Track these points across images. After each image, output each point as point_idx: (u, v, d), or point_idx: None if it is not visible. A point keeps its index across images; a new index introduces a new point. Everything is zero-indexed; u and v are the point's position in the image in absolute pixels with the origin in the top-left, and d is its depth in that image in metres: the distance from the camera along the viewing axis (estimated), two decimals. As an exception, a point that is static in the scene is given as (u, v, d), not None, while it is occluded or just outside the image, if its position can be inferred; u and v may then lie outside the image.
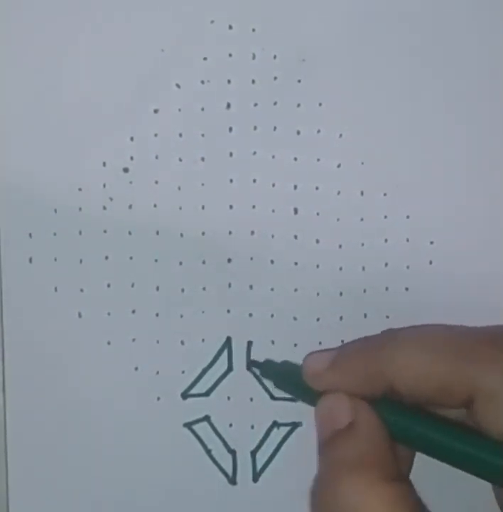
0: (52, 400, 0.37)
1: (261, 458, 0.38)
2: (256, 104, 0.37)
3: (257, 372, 0.37)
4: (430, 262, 0.38)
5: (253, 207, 0.38)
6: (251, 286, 0.38)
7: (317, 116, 0.37)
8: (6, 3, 0.36)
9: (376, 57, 0.37)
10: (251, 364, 0.37)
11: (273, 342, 0.38)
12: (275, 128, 0.37)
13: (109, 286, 0.37)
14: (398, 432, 0.30)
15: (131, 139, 0.37)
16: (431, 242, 0.38)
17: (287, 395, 0.38)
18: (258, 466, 0.38)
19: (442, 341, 0.30)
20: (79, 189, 0.37)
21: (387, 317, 0.38)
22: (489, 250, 0.38)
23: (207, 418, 0.38)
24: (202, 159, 0.37)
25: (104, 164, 0.37)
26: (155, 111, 0.37)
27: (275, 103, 0.37)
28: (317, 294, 0.38)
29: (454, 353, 0.29)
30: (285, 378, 0.35)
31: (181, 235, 0.37)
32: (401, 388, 0.29)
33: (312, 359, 0.32)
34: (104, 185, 0.37)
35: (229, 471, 0.38)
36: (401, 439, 0.30)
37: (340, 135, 0.38)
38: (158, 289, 0.38)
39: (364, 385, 0.30)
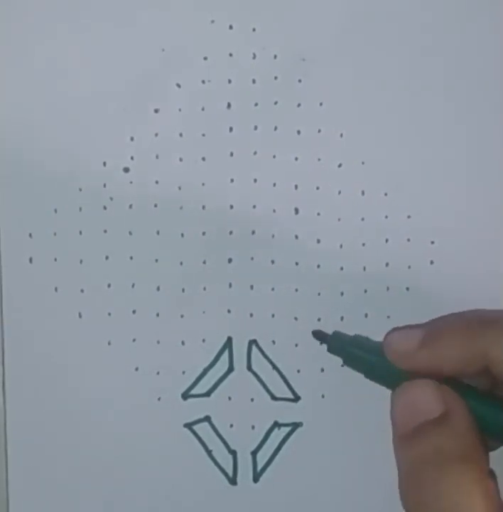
0: (53, 399, 0.37)
1: (262, 458, 0.38)
2: (256, 104, 0.37)
3: (323, 346, 0.32)
4: (431, 262, 0.38)
5: (254, 207, 0.38)
6: (251, 286, 0.38)
7: (317, 116, 0.37)
8: (6, 4, 0.36)
9: (376, 57, 0.37)
10: (315, 335, 0.32)
11: (273, 342, 0.38)
12: (275, 128, 0.37)
13: (109, 286, 0.37)
14: (486, 424, 0.27)
15: (131, 139, 0.37)
16: (432, 242, 0.38)
17: (288, 396, 0.38)
18: (259, 467, 0.38)
19: None
20: (79, 189, 0.37)
21: (388, 317, 0.38)
22: (489, 250, 0.38)
23: (207, 418, 0.38)
24: (203, 159, 0.37)
25: (104, 164, 0.37)
26: (156, 111, 0.37)
27: (275, 103, 0.37)
28: (318, 294, 0.38)
29: None
30: (358, 355, 0.30)
31: (181, 234, 0.37)
32: (500, 373, 0.27)
33: (398, 336, 0.28)
34: (104, 185, 0.37)
35: (230, 472, 0.38)
36: (489, 431, 0.27)
37: (341, 135, 0.38)
38: (158, 289, 0.37)
39: (461, 367, 0.27)
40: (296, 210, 0.38)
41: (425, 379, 0.27)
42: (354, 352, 0.30)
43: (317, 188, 0.38)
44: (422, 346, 0.27)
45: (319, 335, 0.32)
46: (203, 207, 0.37)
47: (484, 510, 0.24)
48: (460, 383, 0.27)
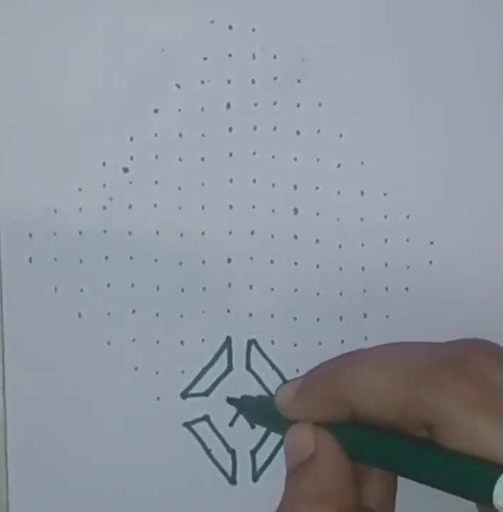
0: (52, 399, 0.37)
1: (261, 457, 0.38)
2: (256, 104, 0.37)
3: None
4: (430, 262, 0.38)
5: (253, 207, 0.38)
6: (251, 286, 0.38)
7: (317, 116, 0.37)
8: (6, 4, 0.36)
9: (376, 58, 0.37)
10: (229, 401, 0.38)
11: (273, 342, 0.38)
12: (275, 128, 0.37)
13: (109, 286, 0.37)
14: (363, 455, 0.30)
15: (131, 139, 0.37)
16: (431, 242, 0.38)
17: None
18: (258, 466, 0.38)
19: (397, 364, 0.29)
20: (79, 189, 0.37)
21: (387, 317, 0.38)
22: (489, 250, 0.38)
23: (206, 418, 0.38)
24: (202, 159, 0.37)
25: (104, 164, 0.37)
26: (155, 111, 0.37)
27: (275, 103, 0.37)
28: (317, 294, 0.38)
29: (408, 376, 0.28)
30: (261, 412, 0.35)
31: (181, 235, 0.37)
32: (362, 413, 0.29)
33: (282, 389, 0.32)
34: (104, 185, 0.37)
35: (229, 471, 0.38)
36: (368, 461, 0.30)
37: (340, 135, 0.38)
38: (158, 289, 0.38)
39: (327, 411, 0.30)
40: (295, 210, 0.38)
41: (302, 423, 0.30)
42: (258, 410, 0.36)
43: (317, 188, 0.38)
44: (296, 396, 0.31)
45: (231, 401, 0.37)
46: (202, 207, 0.37)
47: None
48: (350, 423, 0.30)
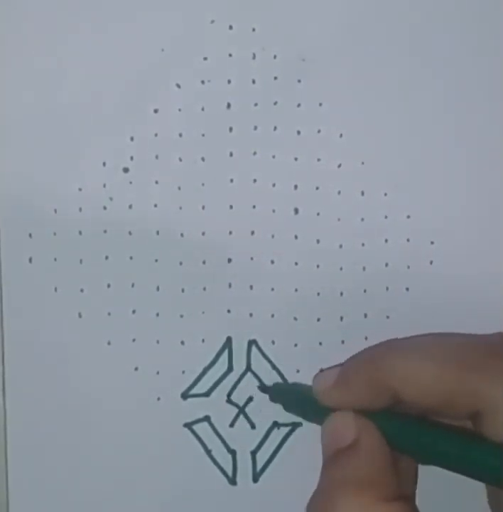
0: (52, 400, 0.37)
1: (262, 458, 0.38)
2: (256, 104, 0.37)
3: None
4: (431, 262, 0.38)
5: (254, 207, 0.38)
6: (251, 287, 0.38)
7: (317, 116, 0.37)
8: (5, 3, 0.36)
9: (376, 58, 0.37)
10: (260, 389, 0.37)
11: (273, 342, 0.38)
12: (275, 128, 0.37)
13: (109, 286, 0.37)
14: (403, 444, 0.30)
15: (131, 139, 0.37)
16: (432, 242, 0.38)
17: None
18: (259, 467, 0.38)
19: (445, 352, 0.29)
20: (79, 189, 0.37)
21: (387, 317, 0.38)
22: (489, 250, 0.38)
23: (207, 418, 0.38)
24: (202, 159, 0.37)
25: (104, 164, 0.37)
26: (155, 111, 0.37)
27: (275, 103, 0.37)
28: (318, 294, 0.38)
29: (457, 364, 0.28)
30: (295, 400, 0.35)
31: (181, 234, 0.37)
32: (406, 399, 0.29)
33: (320, 376, 0.32)
34: (104, 185, 0.37)
35: (229, 472, 0.38)
36: (406, 451, 0.30)
37: (340, 135, 0.38)
38: (158, 289, 0.38)
39: (368, 398, 0.30)
40: (296, 210, 0.38)
41: (344, 411, 0.30)
42: (291, 398, 0.35)
43: (317, 188, 0.38)
44: (335, 384, 0.31)
45: (262, 388, 0.37)
46: (203, 207, 0.37)
47: None
48: (390, 411, 0.30)
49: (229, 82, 0.37)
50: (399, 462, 0.30)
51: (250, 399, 0.38)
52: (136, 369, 0.38)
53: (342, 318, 0.38)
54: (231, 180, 0.38)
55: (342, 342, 0.38)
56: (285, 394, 0.36)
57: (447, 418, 0.29)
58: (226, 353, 0.38)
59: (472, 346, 0.29)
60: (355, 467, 0.29)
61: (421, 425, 0.29)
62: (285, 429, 0.38)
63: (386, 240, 0.38)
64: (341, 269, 0.38)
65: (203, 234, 0.37)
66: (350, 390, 0.30)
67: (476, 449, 0.28)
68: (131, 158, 0.37)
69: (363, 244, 0.38)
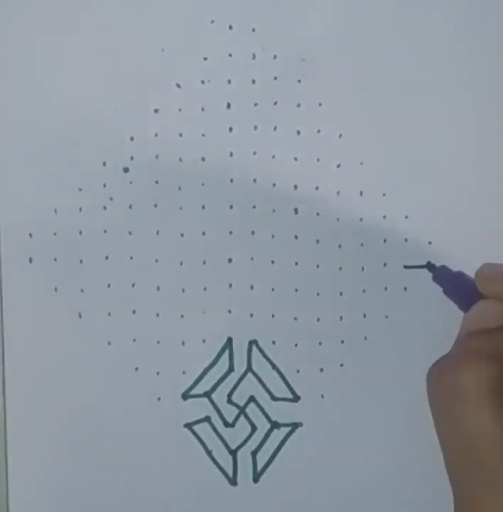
0: (52, 400, 0.37)
1: (262, 458, 0.38)
2: (256, 104, 0.37)
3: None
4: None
5: (254, 207, 0.38)
6: (251, 287, 0.38)
7: (317, 116, 0.37)
8: (6, 4, 0.36)
9: (376, 58, 0.37)
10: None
11: (273, 342, 0.38)
12: (275, 128, 0.37)
13: (109, 286, 0.37)
14: None
15: (131, 139, 0.37)
16: (430, 243, 0.38)
17: (288, 396, 0.38)
18: (259, 467, 0.38)
19: None
20: (79, 189, 0.37)
21: (386, 317, 0.38)
22: (487, 250, 0.38)
23: (207, 419, 0.38)
24: (203, 159, 0.37)
25: (104, 164, 0.37)
26: (155, 111, 0.37)
27: (275, 103, 0.37)
28: (317, 294, 0.38)
29: None
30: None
31: (181, 234, 0.37)
32: None
33: (488, 265, 0.33)
34: (104, 185, 0.37)
35: (230, 472, 0.38)
36: None
37: (340, 135, 0.38)
38: (158, 289, 0.37)
39: None
40: (296, 210, 0.38)
41: (498, 301, 0.32)
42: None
43: (317, 188, 0.38)
44: (498, 275, 0.32)
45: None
46: (203, 207, 0.37)
47: None
48: None
49: (229, 82, 0.37)
50: None
51: (251, 399, 0.38)
52: (137, 369, 0.38)
53: (341, 318, 0.38)
54: (231, 180, 0.38)
55: (342, 342, 0.38)
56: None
57: None
58: (226, 353, 0.38)
59: None
60: (494, 344, 0.30)
61: None
62: (285, 430, 0.38)
63: (385, 240, 0.38)
64: (340, 269, 0.38)
65: (203, 234, 0.37)
66: None
67: None
68: (131, 158, 0.37)
69: (362, 244, 0.38)
